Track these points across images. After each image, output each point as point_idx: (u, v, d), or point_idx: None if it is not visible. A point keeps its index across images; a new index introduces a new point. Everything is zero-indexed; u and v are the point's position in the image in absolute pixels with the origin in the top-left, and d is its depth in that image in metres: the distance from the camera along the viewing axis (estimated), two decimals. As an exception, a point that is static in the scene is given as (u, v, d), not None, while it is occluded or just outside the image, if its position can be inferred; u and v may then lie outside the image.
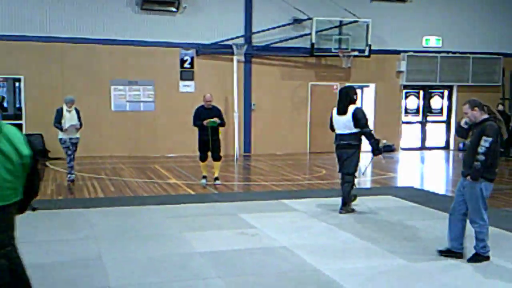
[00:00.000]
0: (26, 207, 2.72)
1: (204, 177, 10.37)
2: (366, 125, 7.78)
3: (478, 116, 5.45)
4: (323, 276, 5.11)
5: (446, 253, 5.70)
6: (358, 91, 18.08)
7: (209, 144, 10.07)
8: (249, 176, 12.52)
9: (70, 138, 10.16)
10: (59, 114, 10.14)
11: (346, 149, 7.84)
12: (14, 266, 2.60)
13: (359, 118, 7.68)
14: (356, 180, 8.14)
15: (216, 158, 10.25)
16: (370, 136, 7.81)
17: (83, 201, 8.78)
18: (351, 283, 4.90)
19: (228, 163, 13.62)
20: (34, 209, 2.89)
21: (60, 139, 10.18)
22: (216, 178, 10.40)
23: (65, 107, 10.16)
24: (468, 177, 5.43)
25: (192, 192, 9.68)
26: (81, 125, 10.28)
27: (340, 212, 7.92)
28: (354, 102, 7.88)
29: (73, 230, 6.74)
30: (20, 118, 14.73)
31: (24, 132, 14.36)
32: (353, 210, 8.01)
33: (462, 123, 5.74)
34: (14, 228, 2.61)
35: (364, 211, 8.08)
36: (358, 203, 8.31)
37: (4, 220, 2.52)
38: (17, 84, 15.69)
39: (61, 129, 10.06)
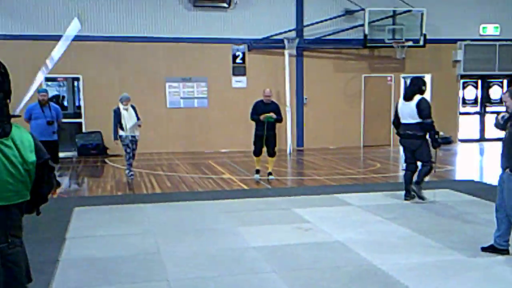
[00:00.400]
0: (32, 210, 2.76)
1: (258, 171, 10.42)
2: (429, 116, 7.87)
3: None
4: (379, 271, 5.06)
5: (489, 249, 5.53)
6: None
7: (264, 139, 10.10)
8: (302, 171, 12.50)
9: (132, 136, 10.37)
10: (117, 114, 10.33)
11: (412, 140, 8.00)
12: (10, 264, 2.60)
13: (422, 108, 7.83)
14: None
15: (271, 153, 10.28)
16: (430, 128, 7.90)
17: (141, 196, 9.00)
18: (407, 278, 4.83)
19: (281, 158, 13.64)
20: (38, 214, 2.91)
21: (120, 136, 10.39)
22: (270, 173, 10.43)
23: (121, 106, 10.36)
24: (507, 170, 5.25)
25: (246, 187, 9.76)
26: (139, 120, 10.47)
27: (406, 199, 8.12)
28: (421, 92, 8.06)
29: (131, 225, 6.93)
30: (80, 117, 15.23)
31: (84, 129, 14.88)
32: (423, 198, 8.06)
33: (499, 117, 5.59)
34: (17, 227, 2.64)
35: (421, 205, 7.93)
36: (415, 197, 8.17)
37: (2, 218, 2.56)
38: (76, 83, 16.25)
39: (122, 129, 10.26)
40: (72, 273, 5.10)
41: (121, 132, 10.35)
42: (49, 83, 15.75)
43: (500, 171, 5.47)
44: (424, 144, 8.00)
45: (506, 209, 5.34)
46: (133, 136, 10.39)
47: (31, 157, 2.58)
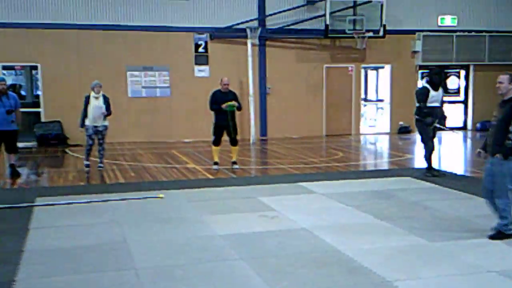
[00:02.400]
0: None
1: (216, 163, 10.35)
2: (418, 102, 9.34)
3: (510, 92, 5.45)
4: (343, 256, 5.18)
5: (498, 237, 5.58)
6: (373, 72, 18.08)
7: (227, 128, 10.11)
8: (266, 160, 12.59)
9: (95, 126, 10.17)
10: (86, 101, 10.09)
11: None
12: None
13: (415, 95, 9.49)
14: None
15: (234, 142, 10.30)
16: (416, 112, 9.47)
17: (104, 186, 8.91)
18: (371, 262, 4.96)
19: (244, 147, 13.70)
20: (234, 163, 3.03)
21: (86, 125, 10.18)
22: (234, 162, 10.47)
23: (92, 93, 10.14)
24: (498, 155, 5.43)
25: (211, 177, 9.78)
26: (109, 112, 10.24)
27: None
28: (428, 81, 9.58)
29: (96, 215, 6.87)
30: (38, 106, 14.92)
31: (42, 119, 14.58)
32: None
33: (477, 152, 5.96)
34: None
35: (382, 192, 8.12)
36: (378, 184, 8.36)
37: None
38: (34, 72, 15.89)
39: (83, 117, 10.07)
40: (38, 263, 5.04)
41: (86, 121, 10.17)
42: (6, 71, 15.34)
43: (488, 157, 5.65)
44: (418, 127, 9.52)
45: (495, 191, 5.51)
46: (96, 127, 10.20)
47: None
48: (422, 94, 9.26)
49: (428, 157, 9.45)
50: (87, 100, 10.11)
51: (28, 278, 4.70)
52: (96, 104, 10.10)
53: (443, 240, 5.66)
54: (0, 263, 5.02)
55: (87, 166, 10.40)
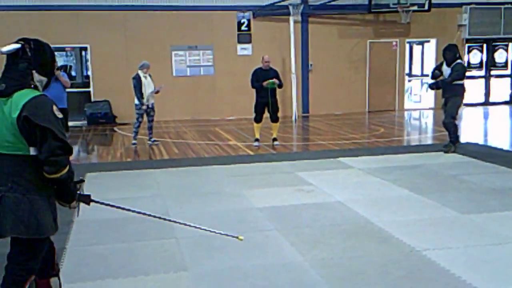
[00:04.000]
0: (61, 198, 3.15)
1: (257, 139, 10.61)
2: (461, 79, 9.15)
3: None
4: (375, 227, 5.34)
5: None
6: (419, 47, 17.77)
7: (268, 105, 10.30)
8: (307, 136, 12.74)
9: (147, 105, 10.55)
10: (139, 81, 10.41)
11: None
12: (9, 207, 2.97)
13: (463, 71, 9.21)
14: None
15: (275, 119, 10.50)
16: None
17: (150, 162, 9.31)
18: (401, 233, 5.11)
19: (286, 124, 13.87)
20: (69, 206, 3.29)
21: (136, 105, 10.55)
22: (275, 139, 10.68)
23: (141, 73, 10.52)
24: None
25: (251, 153, 10.03)
26: (157, 90, 10.73)
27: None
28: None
29: (141, 189, 7.24)
30: (88, 86, 15.48)
31: (92, 99, 15.15)
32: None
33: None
34: (19, 177, 2.99)
35: (420, 167, 8.17)
36: (416, 159, 8.43)
37: (1, 165, 2.99)
38: (83, 53, 16.46)
39: (142, 97, 10.42)
40: (86, 232, 5.43)
41: (137, 101, 10.55)
42: (57, 53, 15.95)
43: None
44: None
45: None
46: (147, 105, 10.59)
47: (15, 114, 2.92)
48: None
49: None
50: (139, 80, 10.46)
51: (78, 246, 5.09)
52: (148, 84, 10.49)
53: (475, 212, 5.74)
54: (52, 232, 5.42)
55: (135, 144, 10.83)
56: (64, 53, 17.17)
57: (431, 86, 9.70)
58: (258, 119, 10.49)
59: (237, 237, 4.14)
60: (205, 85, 15.82)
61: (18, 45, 3.05)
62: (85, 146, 11.67)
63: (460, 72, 9.02)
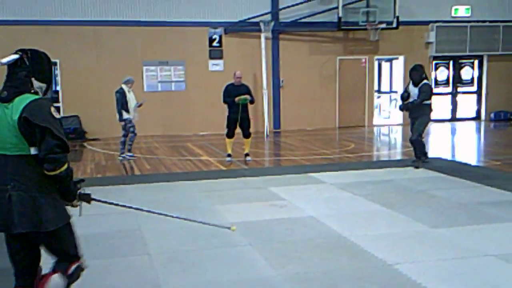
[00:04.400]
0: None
1: (229, 155, 10.62)
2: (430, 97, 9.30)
3: None
4: (348, 241, 5.40)
5: None
6: (387, 64, 18.11)
7: (239, 121, 10.35)
8: (278, 152, 12.82)
9: (131, 118, 10.70)
10: (123, 95, 10.51)
11: None
12: (12, 204, 3.17)
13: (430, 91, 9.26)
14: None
15: (247, 135, 10.54)
16: None
17: (121, 178, 9.22)
18: (373, 247, 5.17)
19: (258, 140, 13.93)
20: (82, 181, 3.54)
21: (125, 119, 10.66)
22: (247, 154, 10.71)
23: (125, 88, 10.58)
24: None
25: (224, 168, 10.03)
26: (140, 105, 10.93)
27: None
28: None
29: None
30: (58, 101, 15.28)
31: (62, 114, 14.96)
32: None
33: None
34: (22, 176, 3.17)
35: (391, 182, 8.30)
36: (387, 174, 8.53)
37: (3, 165, 3.18)
38: (53, 67, 16.26)
39: (127, 111, 10.51)
40: (57, 249, 5.34)
41: (126, 115, 10.59)
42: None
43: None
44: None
45: None
46: (134, 117, 10.77)
47: (15, 116, 3.12)
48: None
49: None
50: (123, 94, 10.51)
51: (47, 262, 4.99)
52: (132, 98, 10.67)
53: (445, 226, 5.85)
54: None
55: (128, 157, 10.94)
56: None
57: (401, 108, 9.75)
58: (230, 135, 10.52)
59: (229, 228, 4.35)
60: (176, 100, 15.80)
61: (16, 56, 3.29)
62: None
63: (428, 92, 9.16)
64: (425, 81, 9.22)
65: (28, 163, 3.17)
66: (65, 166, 3.20)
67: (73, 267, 3.53)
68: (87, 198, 3.54)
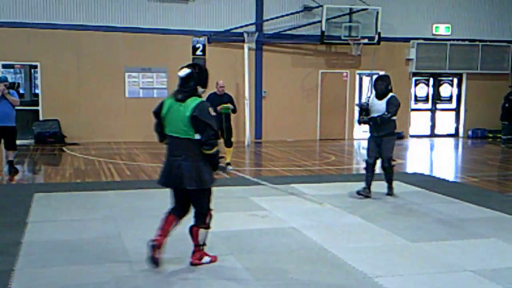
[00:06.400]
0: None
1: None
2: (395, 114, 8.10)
3: None
4: (329, 253, 5.42)
5: None
6: (368, 78, 18.31)
7: (222, 130, 10.34)
8: (259, 162, 12.83)
9: None
10: None
11: None
12: (181, 169, 4.77)
13: (397, 105, 8.03)
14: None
15: (229, 144, 10.55)
16: None
17: (101, 184, 9.13)
18: (354, 259, 5.21)
19: (239, 150, 13.93)
20: (222, 157, 4.86)
21: None
22: (228, 163, 10.70)
23: None
24: None
25: (205, 176, 9.98)
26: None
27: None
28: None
29: (92, 211, 7.10)
30: (37, 104, 15.12)
31: (41, 117, 14.78)
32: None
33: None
34: (190, 151, 4.75)
35: (372, 195, 8.35)
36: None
37: (178, 144, 4.78)
38: (33, 70, 16.09)
39: None
40: (36, 254, 5.27)
41: None
42: (5, 70, 15.52)
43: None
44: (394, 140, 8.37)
45: None
46: None
47: (188, 113, 4.64)
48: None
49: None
50: None
51: (27, 267, 4.93)
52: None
53: (424, 241, 5.91)
54: None
55: None
56: (12, 70, 16.73)
57: (364, 121, 8.21)
58: (212, 144, 10.48)
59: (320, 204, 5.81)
60: (158, 107, 15.68)
61: (189, 70, 4.75)
62: (32, 165, 11.35)
63: (397, 106, 7.99)
64: (392, 93, 8.05)
65: (193, 144, 4.68)
66: (216, 148, 4.72)
67: (209, 217, 4.95)
68: (224, 169, 4.77)
